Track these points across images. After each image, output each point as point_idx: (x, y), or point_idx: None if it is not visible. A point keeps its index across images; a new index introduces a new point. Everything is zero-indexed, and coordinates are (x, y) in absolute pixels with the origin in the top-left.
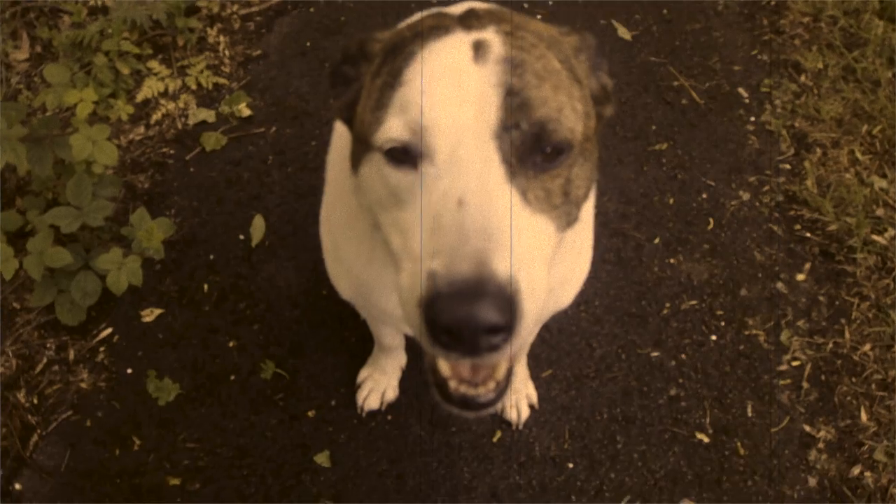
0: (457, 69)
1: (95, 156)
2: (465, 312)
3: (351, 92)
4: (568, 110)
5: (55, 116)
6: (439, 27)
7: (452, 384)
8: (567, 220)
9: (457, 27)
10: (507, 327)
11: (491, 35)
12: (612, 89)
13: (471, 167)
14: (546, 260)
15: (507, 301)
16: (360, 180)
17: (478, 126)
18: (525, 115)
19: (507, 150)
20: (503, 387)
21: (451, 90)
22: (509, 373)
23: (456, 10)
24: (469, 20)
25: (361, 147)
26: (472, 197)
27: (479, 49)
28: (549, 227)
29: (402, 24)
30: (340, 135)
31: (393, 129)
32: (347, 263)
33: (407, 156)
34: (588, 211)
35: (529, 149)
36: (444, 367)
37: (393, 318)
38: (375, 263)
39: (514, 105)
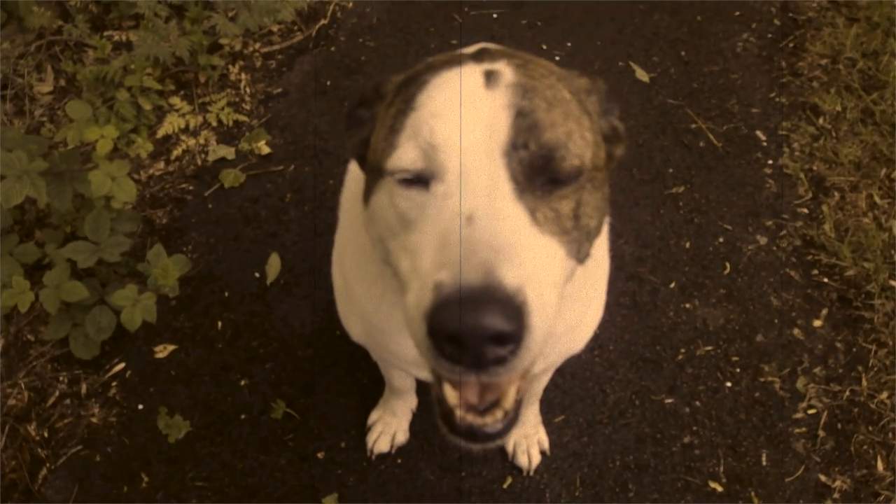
0: (468, 93)
1: (114, 192)
2: (470, 319)
3: (365, 129)
4: (577, 137)
5: (76, 151)
6: (452, 61)
7: (459, 413)
8: (578, 248)
9: (469, 61)
10: (513, 338)
11: (502, 66)
12: (623, 132)
13: (480, 184)
14: (556, 284)
15: (515, 310)
16: (372, 210)
17: (487, 145)
18: (534, 137)
19: (516, 169)
20: (511, 417)
21: (463, 111)
22: (518, 404)
23: (469, 50)
24: (481, 56)
25: (374, 176)
26: (480, 213)
27: (490, 76)
28: (559, 251)
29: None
30: (354, 176)
31: (407, 152)
32: (358, 305)
33: (416, 181)
34: (602, 254)
35: (538, 170)
36: (450, 395)
37: (403, 362)
38: (385, 306)
39: (524, 126)
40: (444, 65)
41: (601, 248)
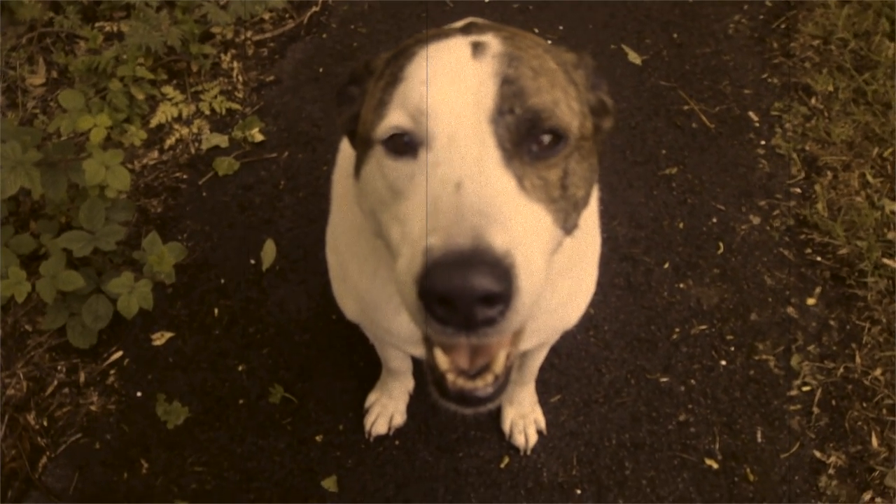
0: (456, 63)
1: (108, 181)
2: (460, 280)
3: (356, 104)
4: (563, 105)
5: (69, 141)
6: (440, 34)
7: (450, 377)
8: (566, 217)
9: (457, 34)
10: (502, 298)
11: (489, 38)
12: (612, 106)
13: (468, 151)
14: (544, 250)
15: (503, 272)
16: (362, 182)
17: (475, 112)
18: (519, 102)
19: (503, 136)
20: (502, 382)
21: (450, 80)
22: (508, 369)
23: (458, 24)
24: (469, 29)
25: (363, 148)
26: (468, 180)
27: (477, 47)
28: (546, 218)
29: None
30: (345, 154)
31: (394, 118)
32: (352, 282)
33: (406, 146)
34: (593, 230)
35: (524, 135)
36: (442, 360)
37: (397, 338)
38: (379, 282)
39: (510, 93)
40: (433, 38)
41: (591, 224)
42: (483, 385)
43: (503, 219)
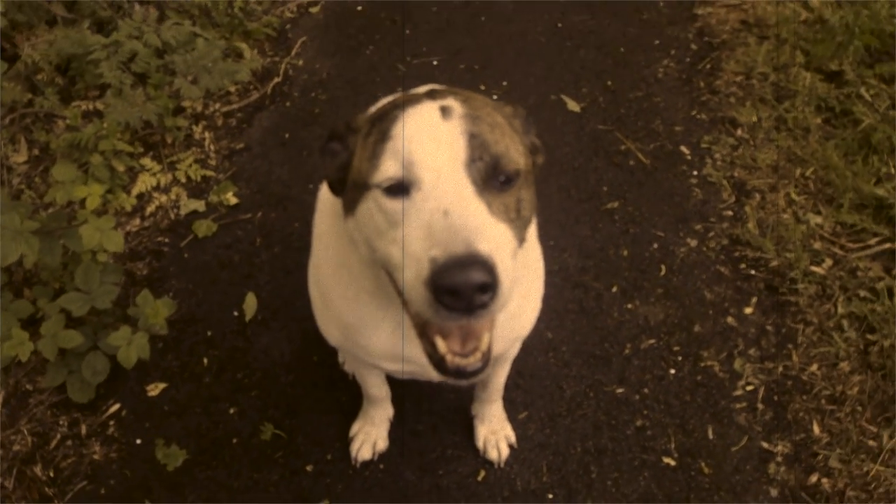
0: (431, 124)
1: (104, 243)
2: (462, 276)
3: (343, 156)
4: (512, 150)
5: (61, 211)
6: (411, 100)
7: (449, 358)
8: (520, 233)
9: (425, 99)
10: (492, 286)
11: (451, 102)
12: (541, 146)
13: (451, 189)
14: (510, 255)
15: (490, 269)
16: (358, 217)
17: (452, 162)
18: (485, 152)
19: (475, 176)
20: (486, 358)
21: (429, 138)
22: (489, 349)
23: (421, 90)
24: (433, 94)
25: (358, 191)
26: (454, 207)
27: (445, 111)
28: (508, 233)
29: (377, 105)
30: (325, 199)
31: (389, 169)
32: (335, 308)
33: (399, 189)
34: (533, 251)
35: (490, 175)
36: (441, 345)
37: (374, 355)
38: (359, 304)
39: (476, 145)
40: (407, 103)
41: (531, 245)
42: (473, 361)
43: (483, 233)
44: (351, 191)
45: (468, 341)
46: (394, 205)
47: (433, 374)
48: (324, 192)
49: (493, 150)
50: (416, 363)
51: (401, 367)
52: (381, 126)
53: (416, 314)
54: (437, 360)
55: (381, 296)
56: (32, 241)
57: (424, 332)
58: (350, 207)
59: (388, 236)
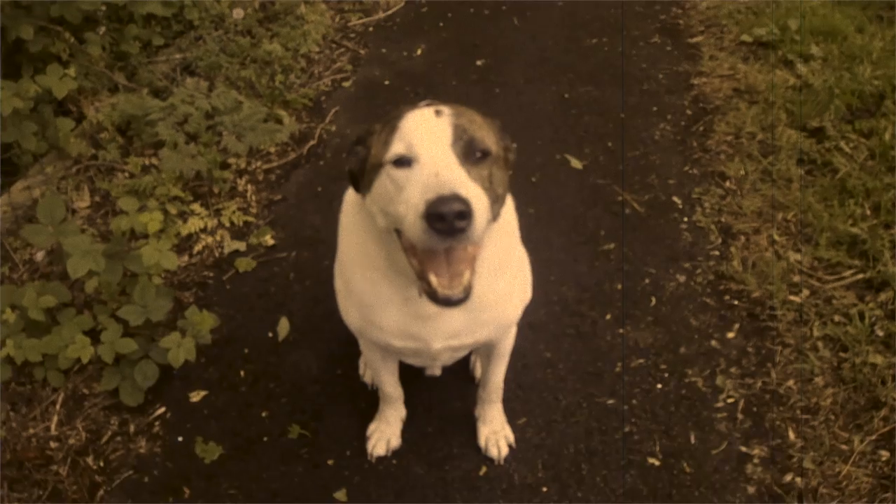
0: (427, 119)
1: (161, 261)
2: (447, 205)
3: (363, 153)
4: (486, 137)
5: (122, 238)
6: (413, 107)
7: (440, 290)
8: (493, 202)
9: (424, 105)
10: (469, 214)
11: (443, 107)
12: (513, 147)
13: (441, 160)
14: (485, 210)
15: (467, 204)
16: (374, 191)
17: (442, 142)
18: (465, 134)
19: (458, 152)
20: (468, 290)
21: (426, 129)
22: (470, 285)
23: (421, 104)
24: (430, 104)
25: (374, 171)
26: (443, 170)
27: (438, 112)
28: (483, 196)
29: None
30: (349, 200)
31: (398, 148)
32: (356, 291)
33: (404, 163)
34: (516, 243)
35: (468, 151)
36: (434, 280)
37: (388, 333)
38: (374, 285)
39: (459, 132)
40: (410, 109)
41: (515, 240)
42: (458, 291)
43: (463, 185)
44: (369, 174)
45: (454, 278)
46: (400, 174)
47: (434, 346)
48: (348, 194)
49: (470, 133)
50: (420, 339)
51: (408, 343)
52: (391, 123)
53: (416, 243)
54: (431, 293)
55: (391, 275)
56: (100, 258)
57: (423, 273)
58: (368, 187)
59: (397, 199)
